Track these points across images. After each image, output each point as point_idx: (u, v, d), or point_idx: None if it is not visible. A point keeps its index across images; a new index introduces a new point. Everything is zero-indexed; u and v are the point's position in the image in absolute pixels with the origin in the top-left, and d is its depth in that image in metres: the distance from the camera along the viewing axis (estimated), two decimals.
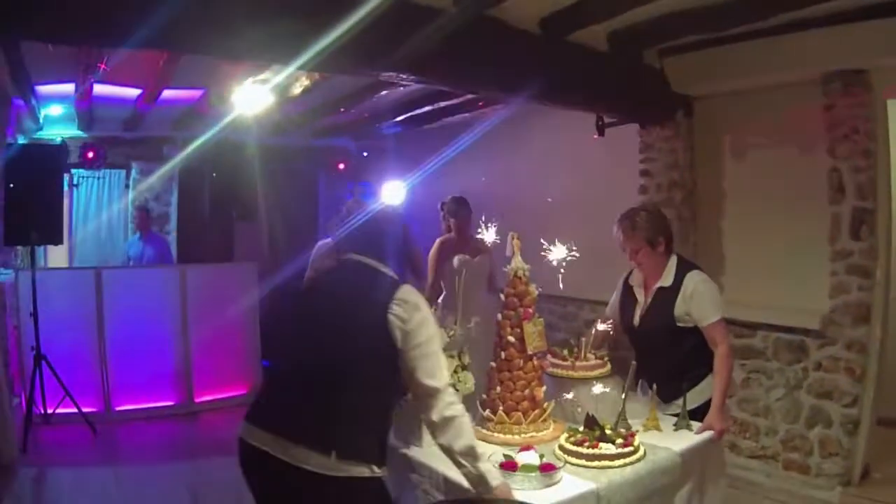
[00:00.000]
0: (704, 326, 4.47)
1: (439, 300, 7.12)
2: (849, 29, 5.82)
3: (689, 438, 4.13)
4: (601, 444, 3.66)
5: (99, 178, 11.44)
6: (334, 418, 3.11)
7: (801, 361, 6.51)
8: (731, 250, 7.30)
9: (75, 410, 8.16)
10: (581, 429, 3.84)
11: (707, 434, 4.16)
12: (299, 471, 3.06)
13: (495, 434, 3.99)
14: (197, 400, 9.26)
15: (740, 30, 6.18)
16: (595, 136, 7.75)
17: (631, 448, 3.67)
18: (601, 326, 4.66)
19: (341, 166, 12.59)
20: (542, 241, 4.24)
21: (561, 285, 4.29)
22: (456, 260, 7.26)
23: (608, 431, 3.79)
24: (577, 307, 8.56)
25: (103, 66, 6.84)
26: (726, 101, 7.27)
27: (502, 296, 4.18)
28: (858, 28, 5.77)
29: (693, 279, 4.57)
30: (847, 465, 6.26)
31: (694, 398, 4.41)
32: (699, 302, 4.50)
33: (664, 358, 4.61)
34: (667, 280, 4.65)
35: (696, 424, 4.26)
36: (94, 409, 8.61)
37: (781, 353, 6.64)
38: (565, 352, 4.43)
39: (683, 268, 4.67)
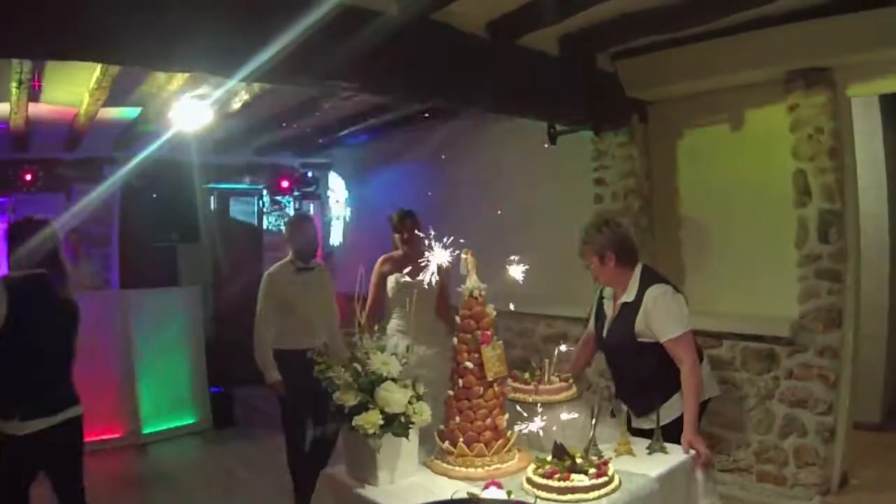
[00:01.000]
0: (664, 342, 4.34)
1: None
2: (810, 26, 5.68)
3: (665, 462, 3.91)
4: (573, 476, 3.38)
5: (37, 200, 11.05)
6: None
7: (772, 370, 6.32)
8: (693, 258, 7.11)
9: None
10: (549, 458, 3.57)
11: (684, 456, 3.95)
12: None
13: (456, 468, 3.71)
14: (144, 431, 8.91)
15: (697, 30, 6.01)
16: (546, 145, 7.54)
17: (605, 478, 3.40)
18: (563, 349, 4.34)
19: (285, 184, 12.30)
20: (496, 256, 4.01)
21: (511, 306, 4.26)
22: (391, 280, 6.57)
23: (579, 460, 3.52)
24: (533, 322, 8.28)
25: (37, 83, 6.66)
26: (683, 105, 7.09)
27: (458, 318, 3.91)
28: (820, 24, 5.63)
29: (652, 294, 4.45)
30: (825, 473, 6.10)
31: (664, 414, 4.23)
32: (656, 317, 4.38)
33: (632, 373, 4.54)
34: (629, 295, 4.53)
35: (670, 446, 4.05)
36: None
37: (751, 363, 6.44)
38: (527, 375, 4.15)
39: (646, 282, 4.53)
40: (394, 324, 6.37)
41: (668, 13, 5.53)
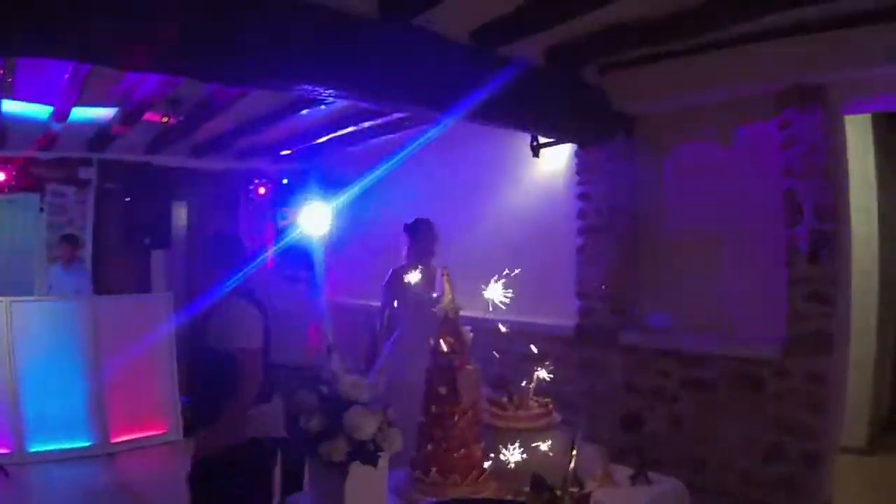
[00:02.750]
0: None
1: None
2: (804, 41, 5.59)
3: (648, 492, 3.81)
4: None
5: (10, 201, 10.90)
6: None
7: (758, 394, 6.15)
8: (678, 278, 6.93)
9: None
10: (527, 490, 3.38)
11: (668, 486, 3.80)
12: None
13: (428, 497, 3.52)
14: (113, 440, 8.69)
15: (686, 44, 5.91)
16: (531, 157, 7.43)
17: None
18: (543, 374, 4.12)
19: (262, 191, 12.14)
20: (475, 270, 3.83)
21: (502, 328, 4.09)
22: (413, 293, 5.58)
23: (558, 492, 3.33)
24: (509, 339, 8.07)
25: (11, 80, 6.58)
26: (671, 120, 6.96)
27: (430, 341, 3.73)
28: (814, 40, 5.54)
29: None
30: (809, 500, 5.93)
31: None
32: None
33: None
34: None
35: (655, 476, 3.90)
36: (5, 451, 8.07)
37: (735, 386, 6.29)
38: (504, 399, 3.97)
39: None
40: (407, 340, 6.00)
41: (657, 26, 5.44)
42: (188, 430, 9.17)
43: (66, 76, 6.31)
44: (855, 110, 6.00)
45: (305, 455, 3.52)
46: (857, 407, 7.21)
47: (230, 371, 4.08)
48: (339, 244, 10.50)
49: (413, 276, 4.73)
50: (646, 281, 6.99)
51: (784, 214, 6.00)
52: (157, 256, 11.52)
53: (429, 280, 5.66)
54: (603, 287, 7.10)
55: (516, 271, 3.82)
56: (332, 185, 10.43)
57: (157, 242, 10.66)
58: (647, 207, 7.16)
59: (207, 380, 4.32)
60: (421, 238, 6.21)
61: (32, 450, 8.25)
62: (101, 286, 10.55)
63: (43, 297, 9.72)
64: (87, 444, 8.54)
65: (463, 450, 3.55)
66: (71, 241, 10.23)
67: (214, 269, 4.48)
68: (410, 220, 6.33)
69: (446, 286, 3.74)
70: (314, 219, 9.55)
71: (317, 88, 5.04)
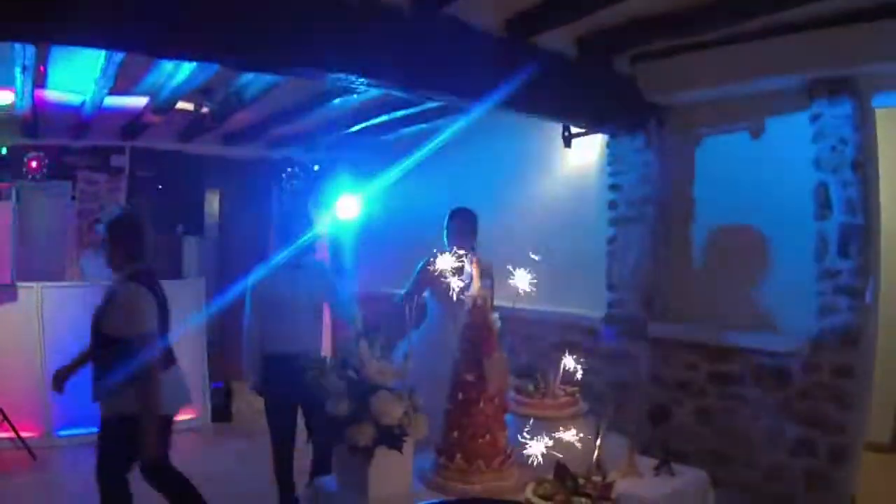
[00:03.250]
0: None
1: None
2: (835, 33, 5.49)
3: (672, 483, 3.80)
4: (574, 499, 3.21)
5: (43, 188, 10.97)
6: None
7: (785, 388, 6.10)
8: (707, 269, 6.89)
9: (12, 435, 7.69)
10: (550, 478, 3.39)
11: (693, 477, 3.80)
12: None
13: (452, 483, 3.54)
14: None
15: (718, 34, 5.82)
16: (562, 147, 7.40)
17: (608, 501, 3.23)
18: (569, 362, 4.10)
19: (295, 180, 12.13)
20: (508, 265, 3.80)
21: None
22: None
23: (581, 481, 3.34)
24: (542, 328, 8.08)
25: (43, 69, 6.62)
26: (703, 111, 6.88)
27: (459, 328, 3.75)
28: (845, 32, 5.44)
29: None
30: (834, 496, 5.87)
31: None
32: None
33: None
34: None
35: (679, 468, 3.89)
36: (33, 434, 8.18)
37: (763, 380, 6.23)
38: (531, 387, 3.98)
39: None
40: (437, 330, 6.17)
41: (689, 16, 5.40)
42: (215, 415, 9.26)
43: (99, 65, 6.35)
44: (886, 102, 5.92)
45: (333, 439, 3.56)
46: (883, 404, 7.18)
47: (128, 353, 4.75)
48: (371, 233, 10.52)
49: (449, 265, 4.54)
50: (675, 272, 6.95)
51: (814, 207, 5.95)
52: (190, 244, 11.59)
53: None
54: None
55: (537, 257, 3.83)
56: (364, 174, 10.45)
57: (189, 230, 10.70)
58: (677, 198, 7.08)
59: (108, 359, 4.95)
60: (460, 227, 6.27)
61: (61, 433, 8.35)
62: None
63: (74, 283, 9.79)
64: None
65: (488, 436, 3.57)
66: (97, 224, 10.32)
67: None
68: (454, 208, 6.45)
69: (475, 274, 3.75)
70: (346, 208, 9.57)
71: (349, 77, 5.04)
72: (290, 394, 5.81)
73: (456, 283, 3.93)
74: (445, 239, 6.26)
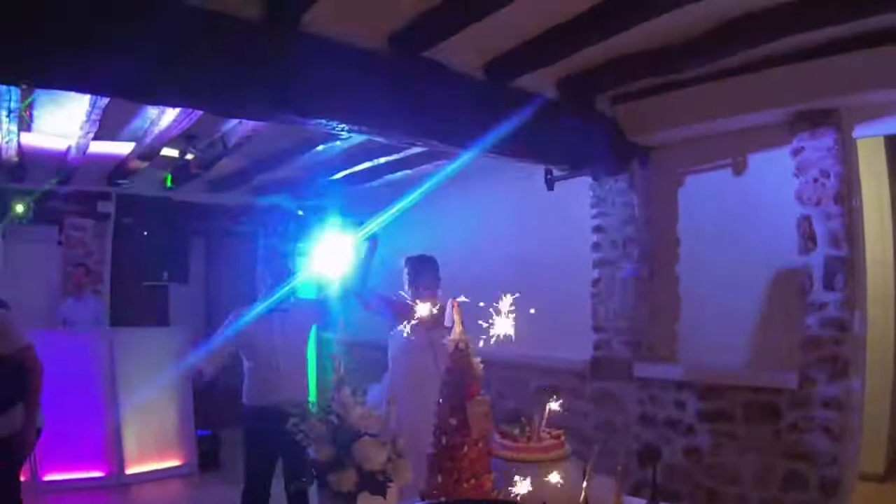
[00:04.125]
0: None
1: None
2: (814, 65, 5.55)
3: None
4: None
5: (29, 233, 10.96)
6: None
7: (774, 423, 6.09)
8: (692, 308, 6.90)
9: None
10: None
11: None
12: None
13: None
14: (128, 471, 8.73)
15: (699, 72, 5.88)
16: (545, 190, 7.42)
17: None
18: (554, 406, 4.08)
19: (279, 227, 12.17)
20: (481, 303, 3.76)
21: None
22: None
23: None
24: (526, 373, 8.06)
25: (28, 113, 6.70)
26: (685, 150, 6.93)
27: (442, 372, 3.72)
28: (824, 64, 5.50)
29: None
30: None
31: None
32: None
33: None
34: None
35: None
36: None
37: (752, 415, 6.23)
38: (516, 431, 3.95)
39: None
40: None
41: (668, 54, 5.46)
42: (202, 463, 9.21)
43: (85, 110, 6.36)
44: (867, 133, 5.96)
45: (307, 485, 3.55)
46: (875, 434, 7.17)
47: (15, 369, 5.28)
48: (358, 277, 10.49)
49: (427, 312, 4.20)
50: (661, 312, 6.95)
51: (798, 241, 5.97)
52: (176, 290, 11.57)
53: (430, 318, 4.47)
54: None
55: (509, 300, 3.78)
56: (350, 220, 10.46)
57: (175, 276, 10.68)
58: (661, 238, 7.11)
59: None
60: (430, 274, 5.88)
61: (47, 479, 8.31)
62: (119, 319, 10.61)
63: (58, 329, 9.78)
64: (101, 474, 8.58)
65: (473, 481, 3.53)
66: (80, 268, 10.32)
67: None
68: (416, 256, 6.00)
69: (456, 317, 3.73)
70: (331, 254, 9.57)
71: (330, 122, 5.05)
72: (270, 453, 5.90)
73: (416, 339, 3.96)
74: (409, 286, 5.80)
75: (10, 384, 5.32)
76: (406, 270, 5.89)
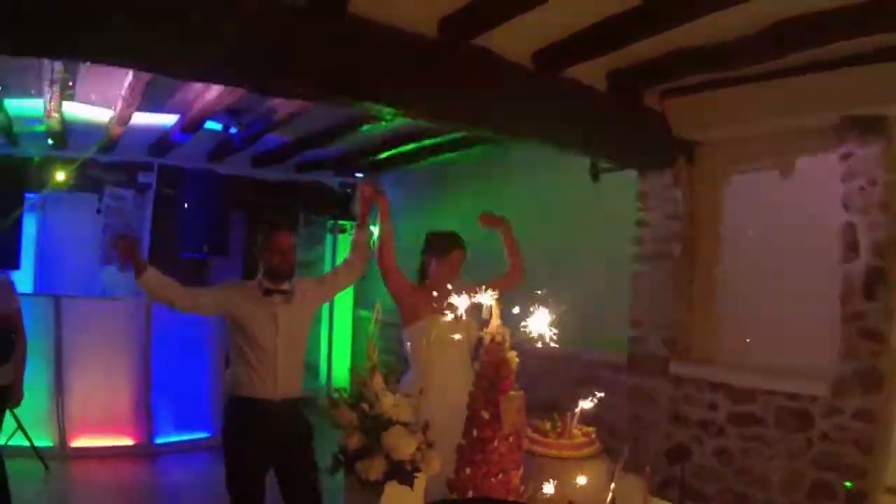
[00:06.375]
0: None
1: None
2: (867, 71, 5.45)
3: None
4: None
5: (69, 200, 11.01)
6: None
7: (805, 430, 6.01)
8: (730, 308, 6.82)
9: (27, 444, 7.69)
10: None
11: None
12: None
13: None
14: (157, 441, 8.79)
15: (749, 71, 5.81)
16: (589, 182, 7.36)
17: None
18: (587, 405, 4.01)
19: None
20: (529, 295, 3.71)
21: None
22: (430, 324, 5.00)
23: None
24: (565, 365, 7.97)
25: (71, 83, 6.64)
26: (731, 148, 6.85)
27: (475, 364, 3.68)
28: (878, 70, 5.40)
29: None
30: None
31: None
32: None
33: None
34: None
35: None
36: (46, 444, 8.26)
37: (783, 422, 6.15)
38: (548, 426, 3.92)
39: None
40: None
41: (720, 51, 5.38)
42: None
43: (128, 81, 6.37)
44: None
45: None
46: None
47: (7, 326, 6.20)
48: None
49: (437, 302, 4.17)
50: (699, 311, 6.89)
51: (841, 248, 5.86)
52: (215, 264, 11.60)
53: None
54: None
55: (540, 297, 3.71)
56: (393, 201, 10.46)
57: (214, 249, 10.68)
58: (704, 237, 7.03)
59: None
60: (458, 256, 5.48)
61: (75, 445, 8.38)
62: None
63: (94, 297, 9.84)
64: (130, 442, 8.65)
65: (501, 475, 3.51)
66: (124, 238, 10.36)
67: None
68: (442, 231, 5.63)
69: (494, 309, 3.69)
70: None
71: (376, 106, 5.03)
72: (262, 452, 5.06)
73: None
74: (425, 268, 5.57)
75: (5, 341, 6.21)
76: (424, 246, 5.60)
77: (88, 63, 5.57)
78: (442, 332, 4.78)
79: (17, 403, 6.46)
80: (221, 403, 9.12)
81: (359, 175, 11.48)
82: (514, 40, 5.32)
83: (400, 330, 5.40)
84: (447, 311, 3.67)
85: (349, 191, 12.00)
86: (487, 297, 3.60)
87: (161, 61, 4.18)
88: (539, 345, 3.60)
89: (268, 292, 5.12)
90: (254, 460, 5.02)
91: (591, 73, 5.98)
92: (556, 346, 3.55)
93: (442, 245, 5.48)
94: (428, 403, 3.80)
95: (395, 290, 5.33)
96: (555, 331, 3.57)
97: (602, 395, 3.92)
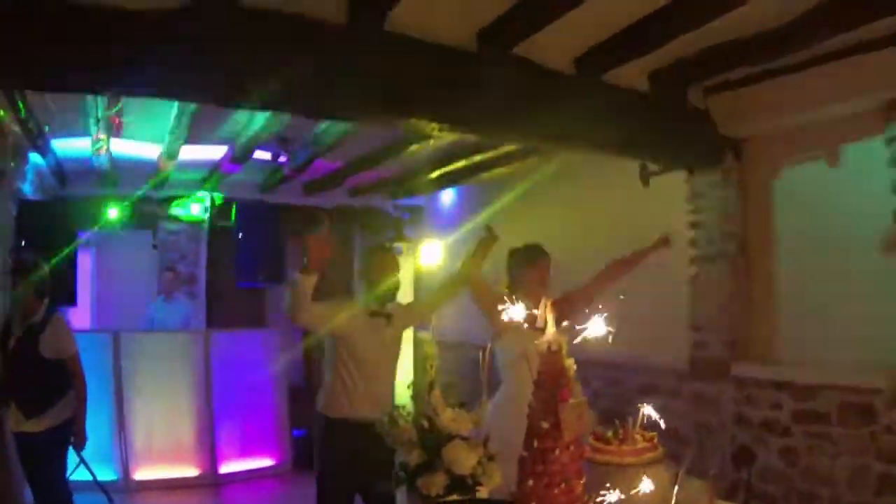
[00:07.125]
0: None
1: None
2: None
3: None
4: None
5: (124, 237, 11.14)
6: None
7: (869, 425, 5.87)
8: (789, 305, 6.70)
9: (90, 478, 7.76)
10: None
11: None
12: None
13: None
14: (221, 471, 8.85)
15: (790, 60, 5.74)
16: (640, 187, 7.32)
17: None
18: (649, 410, 3.94)
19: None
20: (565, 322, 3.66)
21: None
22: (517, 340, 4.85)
23: None
24: (628, 373, 7.91)
25: (117, 120, 6.68)
26: (778, 141, 6.74)
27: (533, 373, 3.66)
28: None
29: None
30: None
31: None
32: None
33: None
34: None
35: None
36: (110, 478, 8.27)
37: (847, 417, 6.02)
38: (610, 433, 3.88)
39: None
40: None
41: (761, 41, 5.32)
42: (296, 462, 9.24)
43: (173, 114, 6.43)
44: None
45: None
46: None
47: (61, 372, 6.17)
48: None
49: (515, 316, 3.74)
50: (758, 309, 6.79)
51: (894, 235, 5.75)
52: (272, 293, 11.67)
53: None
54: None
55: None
56: (445, 220, 10.45)
57: (270, 278, 10.75)
58: (758, 234, 6.93)
59: (40, 380, 6.10)
60: (543, 270, 5.72)
61: (138, 478, 8.45)
62: (215, 321, 10.77)
63: (153, 331, 9.95)
64: (194, 472, 8.71)
65: (563, 485, 3.48)
66: (171, 271, 10.48)
67: None
68: (529, 245, 5.90)
69: (549, 318, 3.66)
70: (428, 255, 9.56)
71: (421, 122, 5.05)
72: (356, 475, 5.18)
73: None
74: (514, 282, 5.73)
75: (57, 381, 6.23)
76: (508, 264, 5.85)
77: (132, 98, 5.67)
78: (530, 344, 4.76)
79: (82, 447, 6.47)
80: (286, 431, 9.23)
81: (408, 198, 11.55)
82: (555, 46, 5.32)
83: (491, 344, 5.17)
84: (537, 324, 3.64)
85: (405, 216, 12.06)
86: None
87: (217, 95, 4.26)
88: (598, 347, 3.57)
89: (374, 314, 5.32)
90: (352, 483, 5.23)
91: (633, 74, 5.96)
92: (614, 346, 3.48)
93: (529, 255, 5.80)
94: (514, 414, 3.80)
95: (489, 306, 5.41)
96: (611, 329, 3.51)
97: (660, 402, 3.90)
